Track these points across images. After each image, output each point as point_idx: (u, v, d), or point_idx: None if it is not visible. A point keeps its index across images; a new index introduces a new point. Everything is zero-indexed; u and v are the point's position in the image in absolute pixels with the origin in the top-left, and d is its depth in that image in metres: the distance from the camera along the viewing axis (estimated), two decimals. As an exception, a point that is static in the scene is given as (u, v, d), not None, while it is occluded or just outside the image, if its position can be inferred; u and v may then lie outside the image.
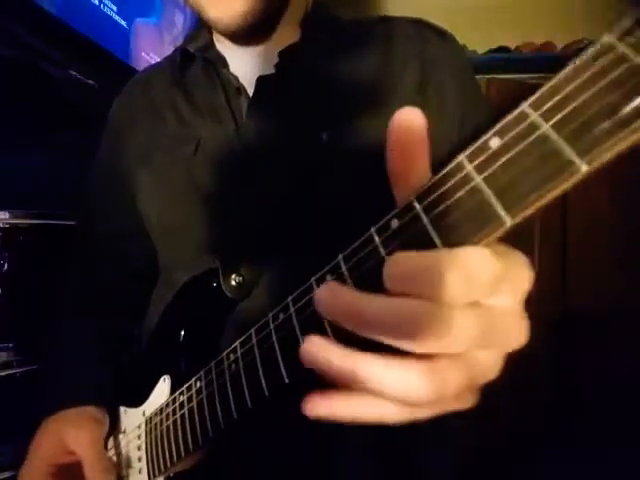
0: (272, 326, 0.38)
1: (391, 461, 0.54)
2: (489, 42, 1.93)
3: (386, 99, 0.54)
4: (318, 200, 0.53)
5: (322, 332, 0.33)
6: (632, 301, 1.41)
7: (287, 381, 0.36)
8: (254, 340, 0.39)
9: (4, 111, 1.07)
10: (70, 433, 0.53)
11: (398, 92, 0.54)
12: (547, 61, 1.79)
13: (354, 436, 0.52)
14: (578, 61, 0.20)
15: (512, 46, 1.95)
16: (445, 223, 0.24)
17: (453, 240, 0.24)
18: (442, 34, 0.58)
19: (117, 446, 0.58)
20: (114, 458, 0.58)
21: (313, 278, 0.34)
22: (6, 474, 0.83)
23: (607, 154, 0.19)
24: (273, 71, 0.56)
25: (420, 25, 0.59)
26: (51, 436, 0.55)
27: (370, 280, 0.29)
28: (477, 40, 1.85)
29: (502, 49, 1.94)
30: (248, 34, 0.56)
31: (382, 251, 0.28)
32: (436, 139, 0.54)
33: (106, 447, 0.57)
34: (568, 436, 1.39)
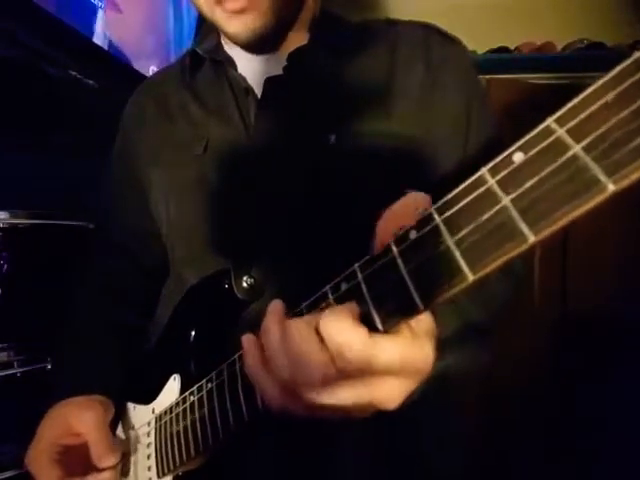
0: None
1: (397, 464, 0.54)
2: (489, 42, 1.92)
3: (392, 101, 0.54)
4: (327, 201, 0.53)
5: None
6: (632, 301, 1.41)
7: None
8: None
9: (4, 111, 1.07)
10: (75, 415, 0.54)
11: (403, 95, 0.55)
12: (547, 61, 1.79)
13: (361, 440, 0.52)
14: (605, 78, 0.20)
15: (512, 46, 1.94)
16: (466, 237, 0.24)
17: (474, 255, 0.24)
18: (450, 39, 0.58)
19: (126, 442, 0.58)
20: (123, 453, 0.58)
21: (328, 286, 0.34)
22: (6, 474, 0.83)
23: (636, 174, 0.18)
24: (281, 73, 0.57)
25: (428, 29, 0.59)
26: (57, 418, 0.55)
27: (386, 291, 0.29)
28: (477, 40, 1.85)
29: (502, 49, 1.94)
30: (262, 45, 0.57)
31: (400, 263, 0.28)
32: (439, 141, 0.55)
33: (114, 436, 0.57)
34: (568, 436, 1.39)
